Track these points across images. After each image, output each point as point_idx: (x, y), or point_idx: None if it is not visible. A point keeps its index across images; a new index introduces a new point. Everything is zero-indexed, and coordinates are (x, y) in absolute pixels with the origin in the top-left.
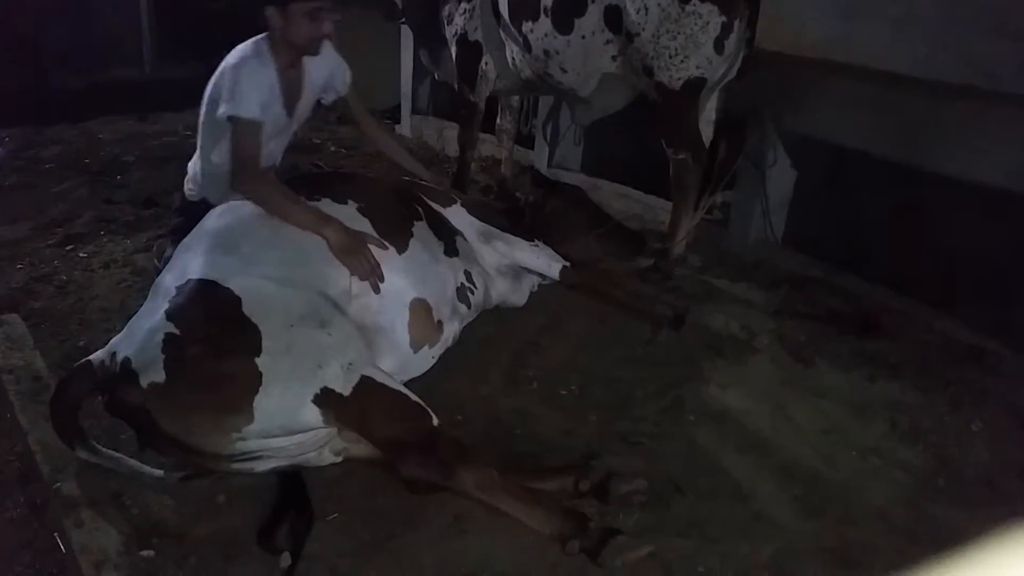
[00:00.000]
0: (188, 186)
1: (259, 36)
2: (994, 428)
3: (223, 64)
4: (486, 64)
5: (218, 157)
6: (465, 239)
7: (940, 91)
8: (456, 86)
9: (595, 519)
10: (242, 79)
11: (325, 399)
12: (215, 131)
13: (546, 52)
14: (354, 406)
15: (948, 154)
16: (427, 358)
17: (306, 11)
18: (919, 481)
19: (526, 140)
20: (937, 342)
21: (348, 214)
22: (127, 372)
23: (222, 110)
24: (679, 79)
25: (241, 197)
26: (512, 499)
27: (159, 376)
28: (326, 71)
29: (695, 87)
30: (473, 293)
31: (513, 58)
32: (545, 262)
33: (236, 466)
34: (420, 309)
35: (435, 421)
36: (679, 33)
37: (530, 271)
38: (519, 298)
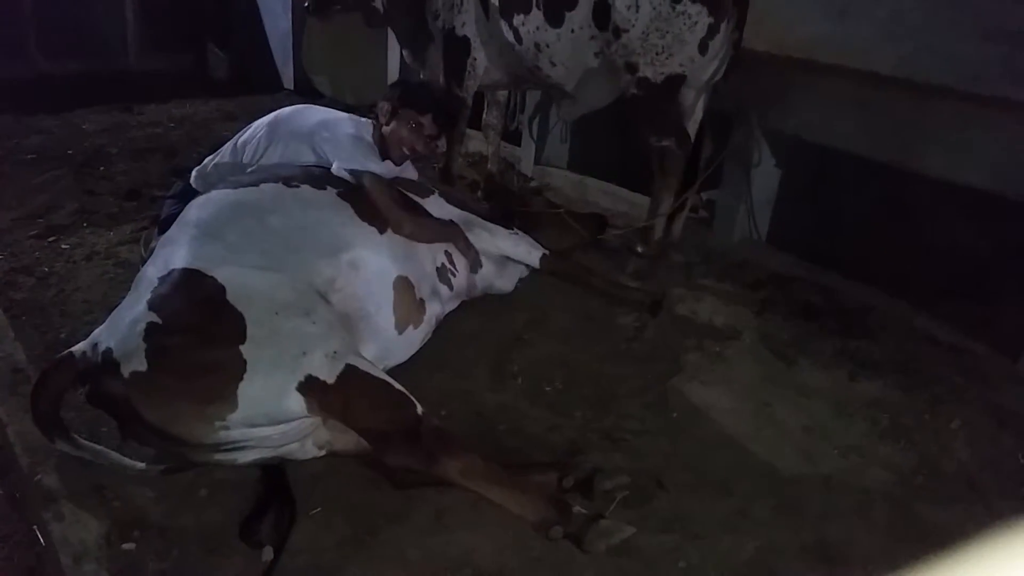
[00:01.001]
0: (197, 175)
1: (367, 120)
2: (973, 427)
3: (339, 128)
4: (474, 59)
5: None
6: None
7: (925, 92)
8: (443, 82)
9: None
10: (365, 147)
11: (309, 387)
12: (301, 148)
13: (537, 45)
14: (338, 394)
15: (932, 154)
16: (412, 341)
17: (409, 120)
18: (899, 478)
19: (513, 137)
20: (919, 341)
21: (329, 199)
22: (109, 362)
23: (352, 167)
24: (662, 74)
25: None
26: (496, 486)
27: (141, 365)
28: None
29: (676, 82)
30: (455, 276)
31: (501, 52)
32: (525, 250)
33: (219, 457)
34: (403, 287)
35: (419, 409)
36: (667, 32)
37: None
38: (506, 283)
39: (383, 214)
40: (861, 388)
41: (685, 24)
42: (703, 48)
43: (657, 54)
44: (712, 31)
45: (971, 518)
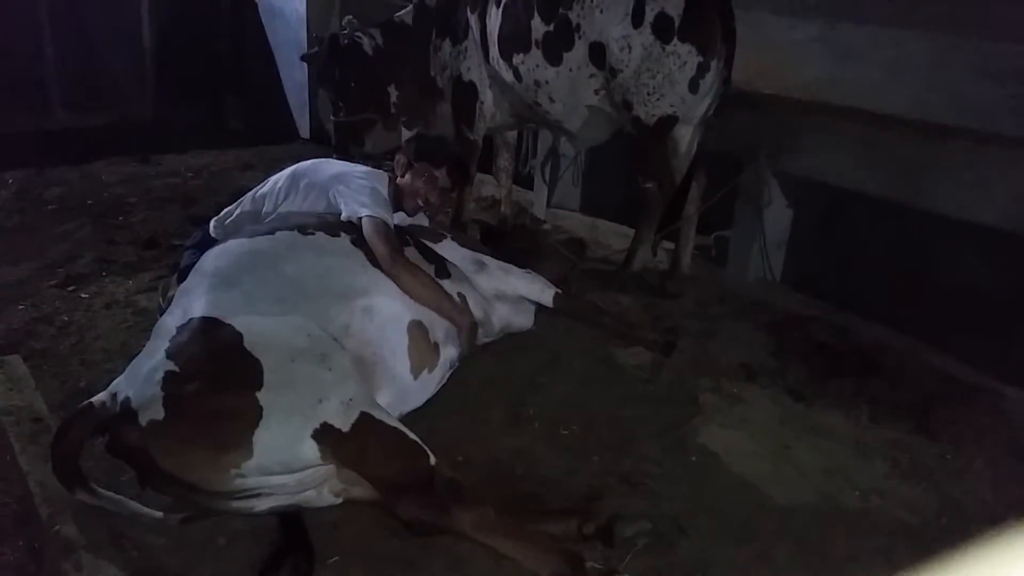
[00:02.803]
0: (216, 225)
1: (383, 172)
2: (996, 466)
3: (354, 177)
4: (482, 102)
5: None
6: (457, 268)
7: (932, 132)
8: (453, 127)
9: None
10: (378, 196)
11: (324, 435)
12: (319, 198)
13: (536, 82)
14: (353, 442)
15: (944, 194)
16: (428, 385)
17: (424, 173)
18: (922, 520)
19: (525, 181)
20: (937, 380)
21: (342, 246)
22: (127, 412)
23: (365, 212)
24: (653, 116)
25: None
26: (508, 539)
27: (158, 414)
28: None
29: (667, 124)
30: None
31: (503, 92)
32: (538, 289)
33: (236, 505)
34: (417, 331)
35: (432, 460)
36: (658, 72)
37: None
38: (524, 320)
39: (376, 256)
40: (880, 428)
41: (675, 64)
42: (694, 87)
43: (648, 94)
44: (702, 70)
45: (997, 560)
